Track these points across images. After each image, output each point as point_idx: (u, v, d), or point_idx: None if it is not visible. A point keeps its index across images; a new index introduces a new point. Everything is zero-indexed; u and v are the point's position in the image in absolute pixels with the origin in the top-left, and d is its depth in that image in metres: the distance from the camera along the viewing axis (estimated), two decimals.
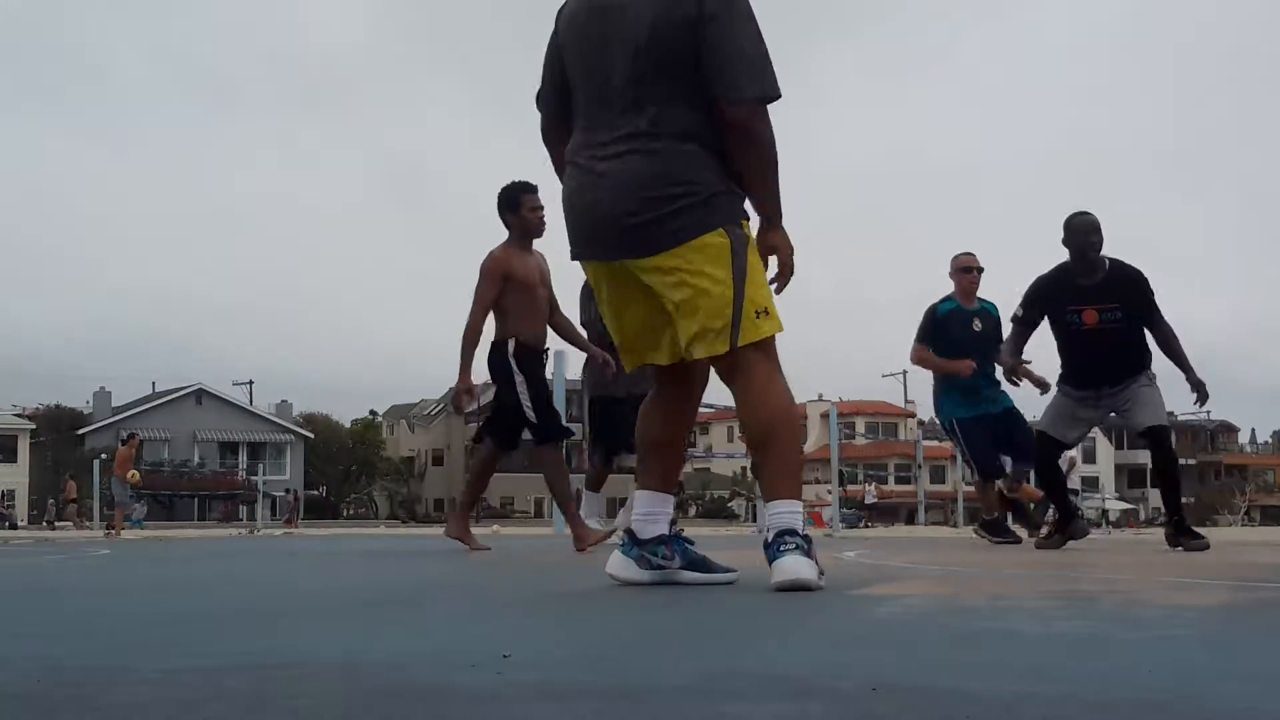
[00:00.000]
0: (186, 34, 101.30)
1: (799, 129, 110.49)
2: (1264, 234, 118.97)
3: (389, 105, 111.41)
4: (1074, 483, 16.87)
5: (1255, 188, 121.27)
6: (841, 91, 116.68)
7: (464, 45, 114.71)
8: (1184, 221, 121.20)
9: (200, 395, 62.75)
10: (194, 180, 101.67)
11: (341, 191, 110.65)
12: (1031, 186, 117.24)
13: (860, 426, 67.45)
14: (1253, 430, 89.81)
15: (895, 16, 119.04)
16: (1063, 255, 6.79)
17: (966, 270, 8.16)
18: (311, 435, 64.40)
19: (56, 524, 35.04)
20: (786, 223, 3.16)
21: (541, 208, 6.31)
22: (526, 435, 6.47)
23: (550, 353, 6.86)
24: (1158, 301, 6.81)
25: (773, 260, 3.18)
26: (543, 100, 3.31)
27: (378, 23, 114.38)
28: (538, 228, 6.33)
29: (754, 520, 25.27)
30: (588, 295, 7.09)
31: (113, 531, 18.10)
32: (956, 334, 8.06)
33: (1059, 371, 7.14)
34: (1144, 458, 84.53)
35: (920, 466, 26.22)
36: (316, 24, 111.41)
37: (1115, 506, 63.58)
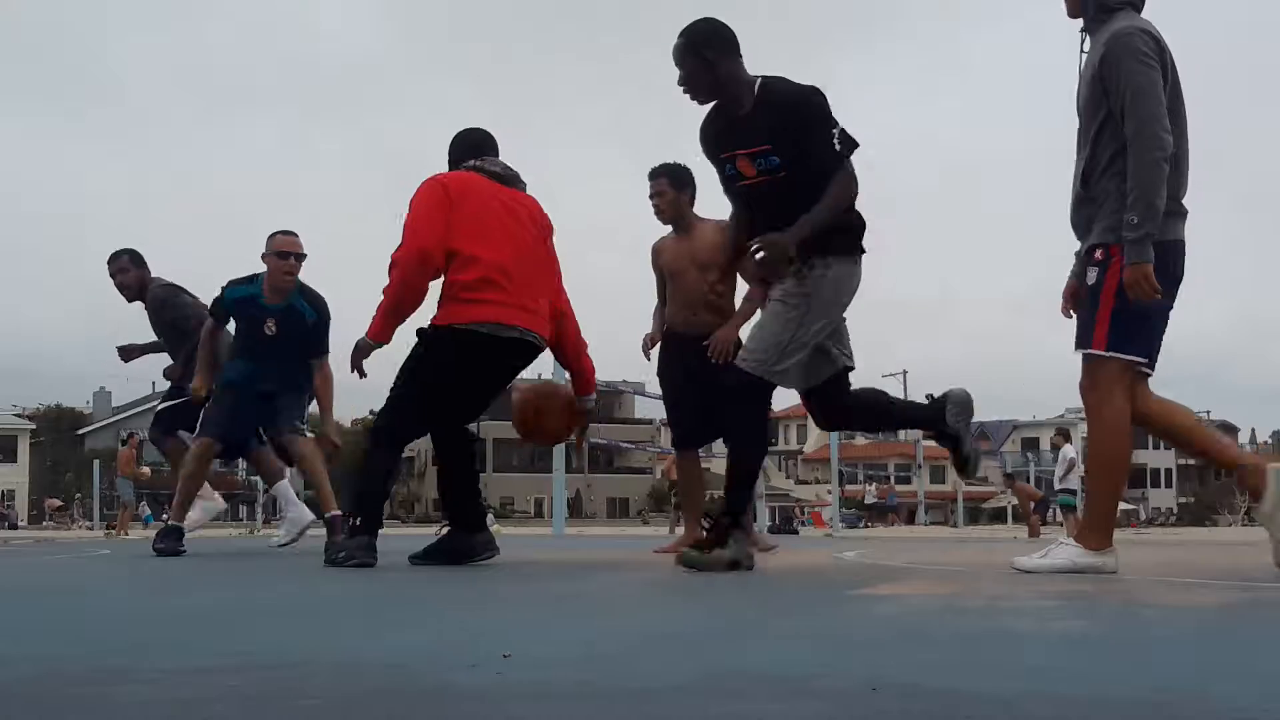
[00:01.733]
0: (195, 37, 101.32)
1: None
2: (1265, 234, 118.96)
3: (395, 108, 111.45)
4: (1072, 483, 16.81)
5: (1256, 187, 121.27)
6: (852, 91, 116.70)
7: (473, 49, 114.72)
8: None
9: None
10: (196, 181, 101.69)
11: (344, 193, 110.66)
12: (1036, 185, 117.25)
13: None
14: (1253, 430, 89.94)
15: (904, 17, 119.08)
16: None
17: (282, 256, 6.22)
18: (311, 435, 64.33)
19: (44, 524, 35.01)
20: None
21: (653, 195, 6.07)
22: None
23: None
24: (836, 134, 4.19)
25: None
26: None
27: (387, 26, 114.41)
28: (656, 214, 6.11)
29: (754, 520, 25.24)
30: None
31: (113, 531, 18.09)
32: (245, 330, 6.42)
33: None
34: (1144, 457, 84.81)
35: (920, 466, 26.26)
36: (328, 28, 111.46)
37: None
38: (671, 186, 6.04)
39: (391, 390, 4.75)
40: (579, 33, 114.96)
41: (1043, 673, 1.72)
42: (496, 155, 5.07)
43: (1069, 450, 16.70)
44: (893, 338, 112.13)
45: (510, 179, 4.97)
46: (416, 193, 4.73)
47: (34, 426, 62.87)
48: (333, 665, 1.82)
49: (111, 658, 1.95)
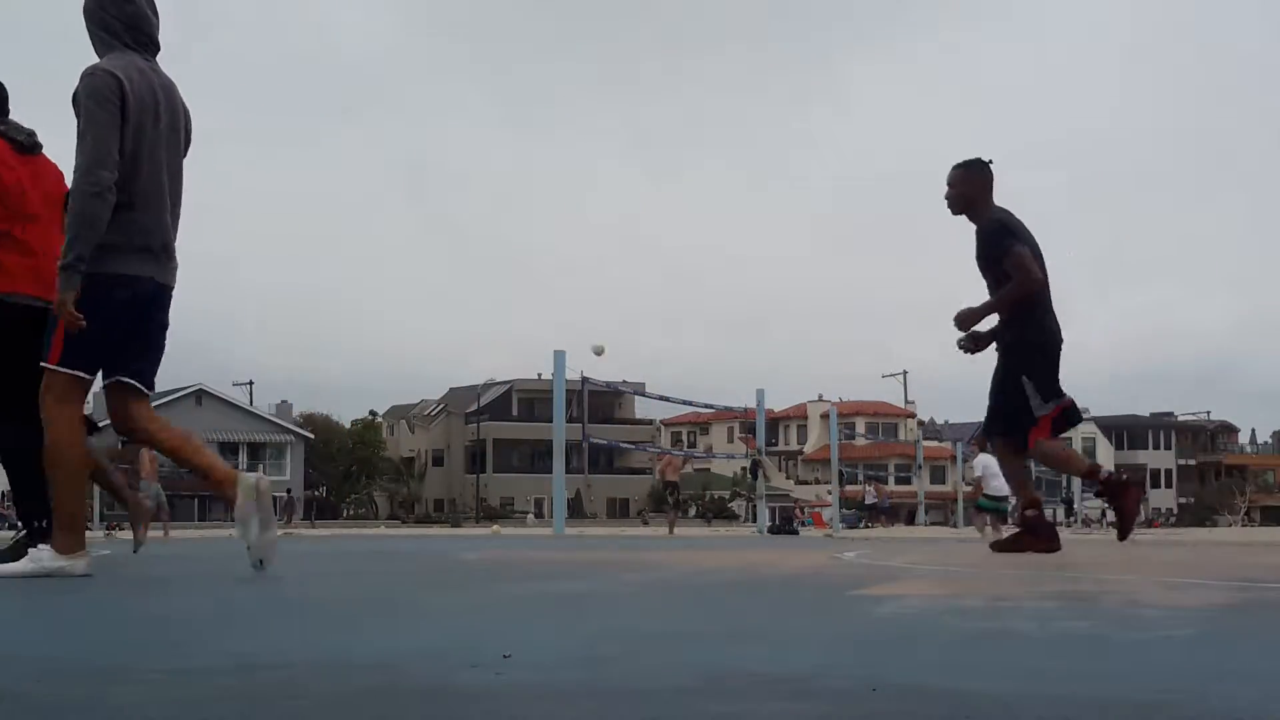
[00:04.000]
0: (196, 33, 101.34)
1: (821, 134, 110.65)
2: (1265, 234, 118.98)
3: (398, 108, 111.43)
4: (998, 489, 16.70)
5: (1257, 188, 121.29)
6: (861, 100, 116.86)
7: (479, 50, 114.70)
8: (1187, 222, 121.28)
9: (200, 395, 62.75)
10: (197, 180, 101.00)
11: (345, 192, 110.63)
12: (1037, 186, 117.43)
13: (860, 426, 67.45)
14: (1253, 430, 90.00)
15: (913, 24, 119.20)
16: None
17: None
18: (311, 435, 64.38)
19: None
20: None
21: None
22: None
23: None
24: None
25: None
26: None
27: (392, 25, 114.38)
28: None
29: (754, 520, 25.29)
30: None
31: (111, 533, 18.12)
32: None
33: None
34: (1144, 458, 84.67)
35: (920, 466, 26.27)
36: (331, 25, 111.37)
37: None
38: None
39: None
40: (583, 33, 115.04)
41: (1043, 673, 1.72)
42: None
43: (984, 458, 16.61)
44: (893, 338, 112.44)
45: (37, 146, 4.84)
46: None
47: None
48: (330, 666, 1.81)
49: (111, 658, 1.95)
